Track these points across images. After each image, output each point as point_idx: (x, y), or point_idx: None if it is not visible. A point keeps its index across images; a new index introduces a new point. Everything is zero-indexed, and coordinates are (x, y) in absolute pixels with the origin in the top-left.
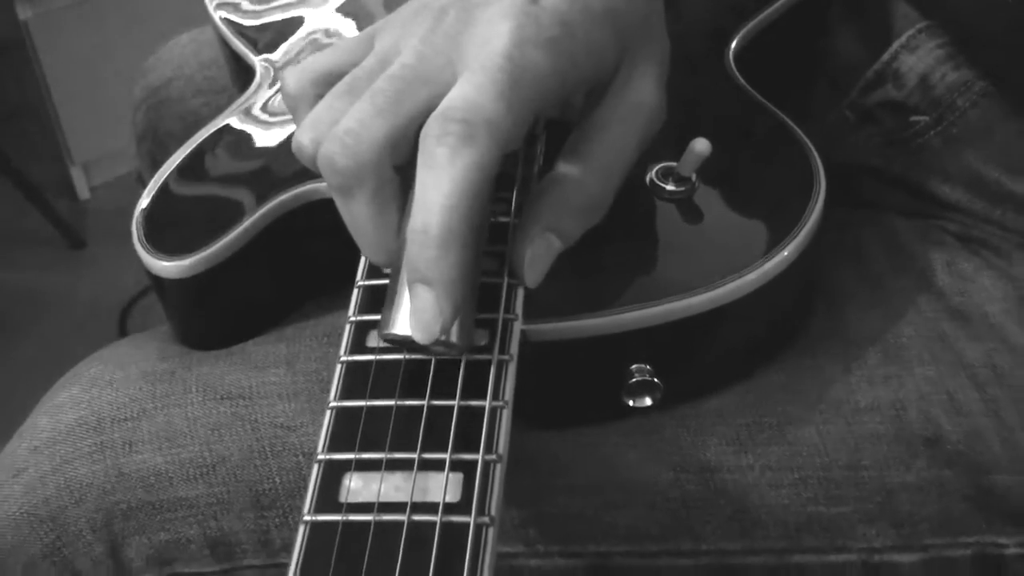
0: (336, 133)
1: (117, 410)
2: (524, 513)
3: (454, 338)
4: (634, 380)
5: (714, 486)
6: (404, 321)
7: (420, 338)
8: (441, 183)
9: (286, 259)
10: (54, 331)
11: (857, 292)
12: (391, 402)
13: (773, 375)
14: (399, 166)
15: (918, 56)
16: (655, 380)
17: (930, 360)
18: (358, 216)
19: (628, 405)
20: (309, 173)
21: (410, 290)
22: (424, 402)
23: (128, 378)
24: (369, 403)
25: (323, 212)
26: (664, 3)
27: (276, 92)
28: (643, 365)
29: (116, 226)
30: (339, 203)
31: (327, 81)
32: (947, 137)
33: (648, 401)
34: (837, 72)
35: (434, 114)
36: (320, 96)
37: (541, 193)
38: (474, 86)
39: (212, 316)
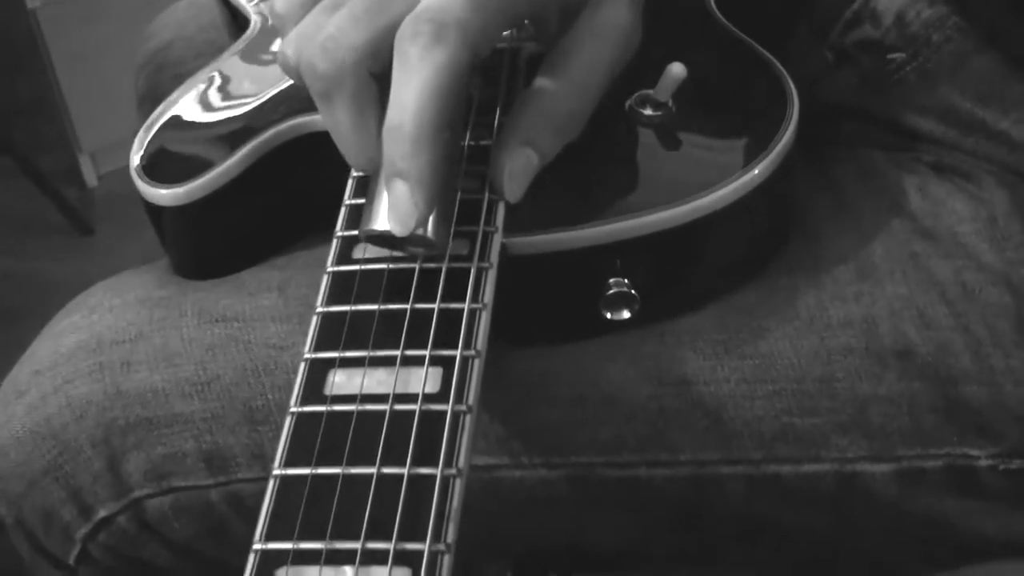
0: (317, 39)
1: (116, 333)
2: (508, 427)
3: (430, 233)
4: (611, 292)
5: (691, 399)
6: (382, 217)
7: (396, 230)
8: (413, 81)
9: (278, 192)
10: None
11: (831, 217)
12: (375, 306)
13: (749, 294)
14: (378, 75)
15: None
16: (632, 292)
17: (901, 278)
18: (339, 121)
19: (606, 318)
20: (300, 108)
21: (387, 186)
22: (407, 306)
23: (126, 304)
24: (354, 308)
25: (313, 146)
26: None
27: (268, 35)
28: (620, 279)
29: (124, 213)
30: (321, 109)
31: (313, 1)
32: (922, 72)
33: (626, 314)
34: (817, 15)
35: (408, 17)
36: (306, 14)
37: (519, 109)
38: None
39: (206, 245)
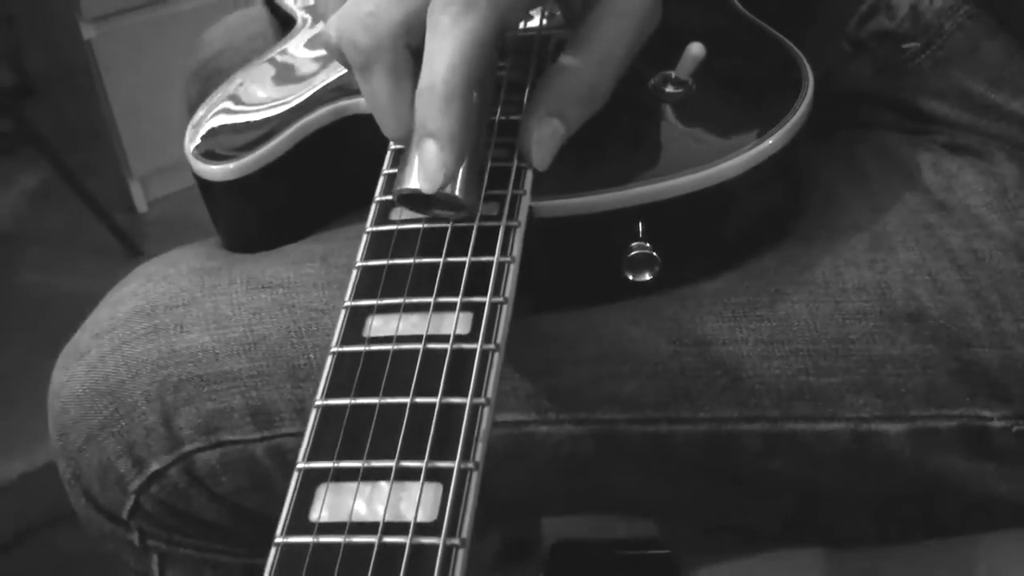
0: (358, 15)
1: (170, 299)
2: (535, 385)
3: (458, 192)
4: (633, 254)
5: (710, 358)
6: (414, 176)
7: (425, 187)
8: (444, 46)
9: (319, 172)
10: None
11: (847, 191)
12: (410, 260)
13: (766, 261)
14: (413, 49)
15: None
16: (653, 254)
17: (914, 245)
18: (377, 91)
19: (628, 279)
20: (340, 95)
21: (418, 147)
22: (439, 259)
23: (179, 273)
24: (390, 262)
25: (352, 130)
26: None
27: (312, 32)
28: (642, 243)
29: (172, 237)
30: (361, 82)
31: None
32: (936, 59)
33: (647, 276)
34: (832, 8)
35: None
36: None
37: (545, 82)
38: None
39: (254, 219)
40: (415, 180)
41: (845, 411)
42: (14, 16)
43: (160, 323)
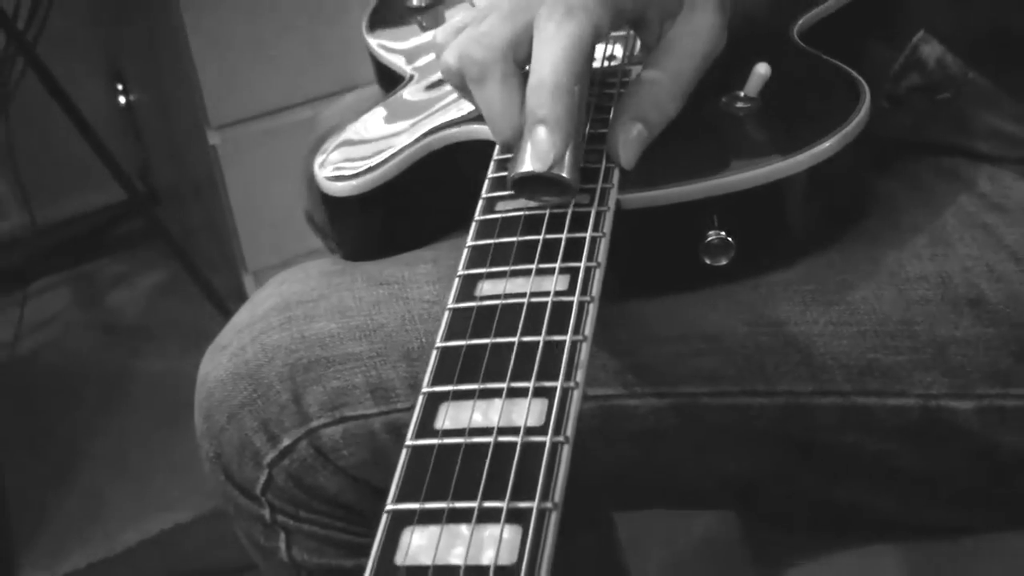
0: (474, 35)
1: (301, 296)
2: (621, 362)
3: (565, 172)
4: (710, 239)
5: (783, 337)
6: (527, 160)
7: (538, 167)
8: (551, 48)
9: (428, 191)
10: None
11: (906, 196)
12: (513, 239)
13: (832, 255)
14: (519, 63)
15: (932, 45)
16: (729, 240)
17: (972, 241)
18: (491, 98)
19: (706, 263)
20: (449, 126)
21: (529, 135)
22: (540, 236)
23: (309, 276)
24: (497, 240)
25: (458, 155)
26: None
27: (427, 82)
28: (718, 231)
29: None
30: (476, 92)
31: (465, 24)
32: (966, 104)
33: (723, 260)
34: (867, 68)
35: (543, 7)
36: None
37: (629, 92)
38: None
39: (372, 231)
40: (528, 163)
41: (914, 387)
42: (141, 132)
43: (293, 315)
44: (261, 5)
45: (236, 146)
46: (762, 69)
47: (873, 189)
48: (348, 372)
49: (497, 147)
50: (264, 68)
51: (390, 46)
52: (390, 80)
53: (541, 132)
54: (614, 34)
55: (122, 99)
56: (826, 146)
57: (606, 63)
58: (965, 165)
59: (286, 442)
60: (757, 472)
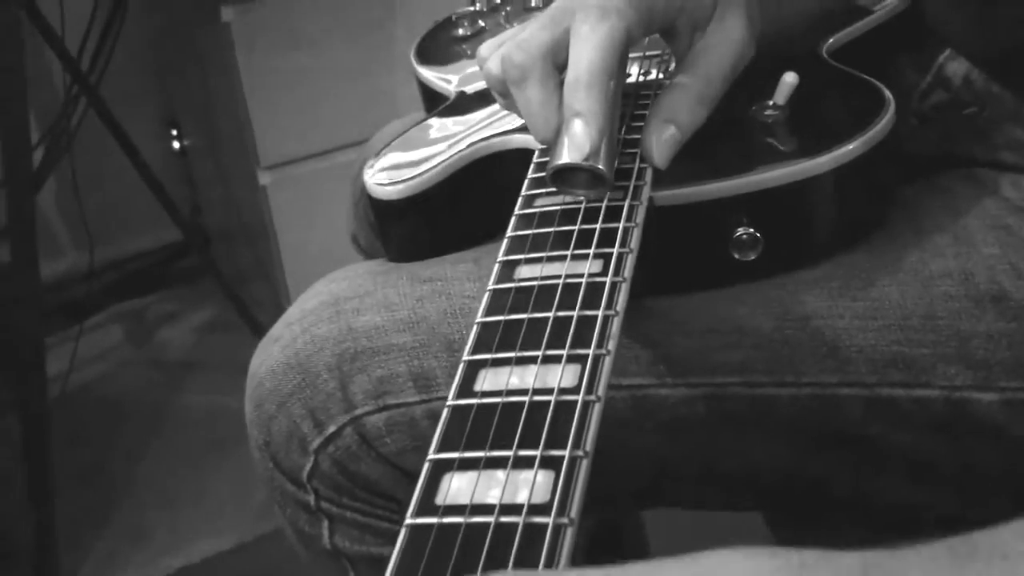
0: (515, 41)
1: (349, 292)
2: (654, 353)
3: (601, 164)
4: (739, 234)
5: (810, 330)
6: (564, 152)
7: (575, 156)
8: (586, 46)
9: (469, 197)
10: None
11: (930, 199)
12: (551, 229)
13: (857, 255)
14: (558, 67)
15: (958, 62)
16: (757, 235)
17: (994, 242)
18: (530, 97)
19: (734, 257)
20: (491, 137)
21: (566, 129)
22: (575, 227)
23: (357, 274)
24: (534, 231)
25: (502, 163)
26: None
27: (471, 101)
28: (747, 227)
29: None
30: (516, 93)
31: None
32: (991, 118)
33: (751, 255)
34: (898, 89)
35: (578, 11)
36: None
37: (662, 95)
38: None
39: (417, 233)
40: (565, 155)
41: (938, 379)
42: (193, 176)
43: (341, 309)
44: (312, 50)
45: (285, 186)
46: (790, 78)
47: (898, 195)
48: (392, 362)
49: (537, 152)
50: (314, 110)
51: (436, 71)
52: (436, 104)
53: (577, 125)
54: (649, 53)
55: (176, 144)
56: (850, 148)
57: (642, 78)
58: (989, 174)
59: (332, 429)
60: (784, 463)
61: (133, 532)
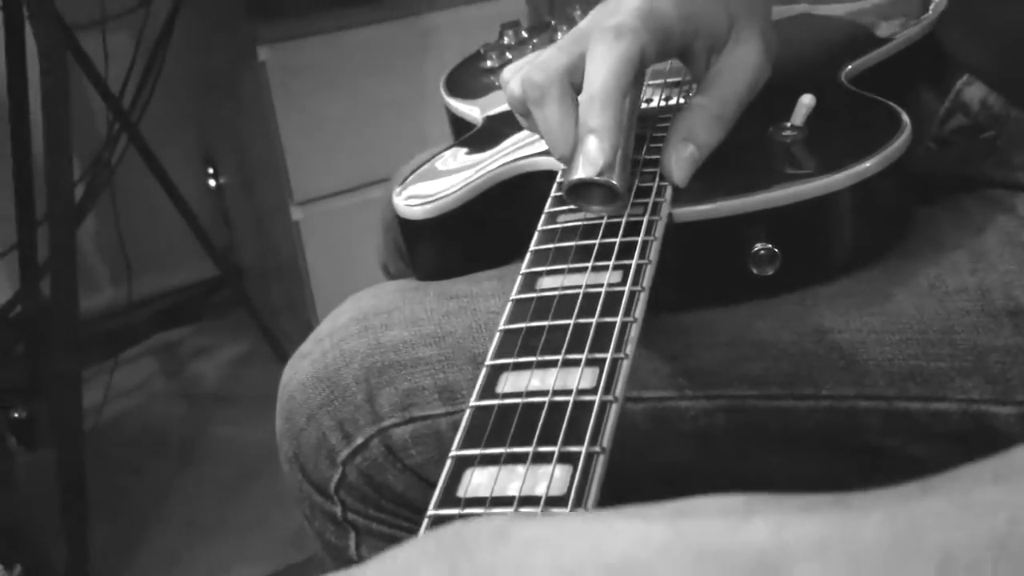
0: (535, 63)
1: (377, 308)
2: (674, 366)
3: (615, 179)
4: (757, 250)
5: (828, 344)
6: (579, 168)
7: (589, 171)
8: (600, 66)
9: (495, 217)
10: None
11: (947, 219)
12: (572, 243)
13: (875, 271)
14: (575, 87)
15: (976, 87)
16: (775, 250)
17: (1011, 258)
18: (549, 116)
19: (753, 272)
20: (516, 159)
21: (581, 145)
22: (596, 241)
23: (385, 292)
24: (556, 245)
25: (527, 185)
26: None
27: (496, 128)
28: (764, 243)
29: None
30: (536, 111)
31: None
32: (1009, 140)
33: (769, 271)
34: (916, 116)
35: (595, 32)
36: None
37: (680, 115)
38: (623, 14)
39: (445, 251)
40: (580, 170)
41: (956, 393)
42: (228, 213)
43: (369, 324)
44: (344, 88)
45: (317, 221)
46: (807, 100)
47: (916, 214)
48: (418, 375)
49: (559, 172)
50: (346, 147)
51: (465, 101)
52: (464, 133)
53: (591, 141)
54: (670, 80)
55: (212, 182)
56: (866, 166)
57: (663, 103)
58: (1006, 194)
59: (359, 440)
60: (802, 474)
61: (165, 561)
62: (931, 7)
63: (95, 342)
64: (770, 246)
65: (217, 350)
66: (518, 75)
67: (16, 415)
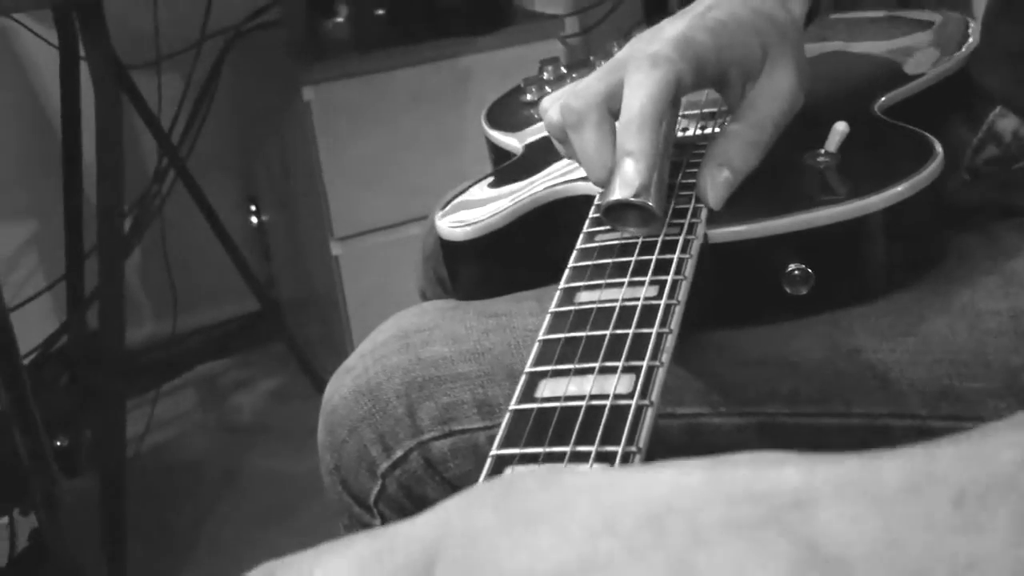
0: (573, 90)
1: (418, 326)
2: (707, 384)
3: (651, 201)
4: (791, 270)
5: (861, 363)
6: (616, 189)
7: (625, 193)
8: (638, 92)
9: (534, 240)
10: None
11: (979, 247)
12: (610, 260)
13: (907, 295)
14: (612, 113)
15: (1009, 119)
16: (809, 271)
17: None
18: (586, 141)
19: (787, 292)
20: (553, 185)
21: (618, 168)
22: (632, 258)
23: (425, 311)
24: (594, 262)
25: (565, 209)
26: (804, 24)
27: (536, 156)
28: (799, 263)
29: None
30: (574, 137)
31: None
32: None
33: (803, 290)
34: (950, 147)
35: (631, 60)
36: None
37: (716, 140)
38: (660, 43)
39: (485, 272)
40: (617, 192)
41: (989, 413)
42: (270, 249)
43: (410, 341)
44: (386, 127)
45: (356, 256)
46: (841, 127)
47: (949, 240)
48: (458, 390)
49: (598, 195)
50: (386, 184)
51: (505, 133)
52: (504, 161)
53: (628, 164)
54: (706, 110)
55: (254, 219)
56: (899, 190)
57: (699, 131)
58: None
59: (399, 453)
60: None
61: None
62: (965, 45)
63: (138, 374)
64: (804, 266)
65: (256, 383)
66: (557, 103)
67: (58, 443)
